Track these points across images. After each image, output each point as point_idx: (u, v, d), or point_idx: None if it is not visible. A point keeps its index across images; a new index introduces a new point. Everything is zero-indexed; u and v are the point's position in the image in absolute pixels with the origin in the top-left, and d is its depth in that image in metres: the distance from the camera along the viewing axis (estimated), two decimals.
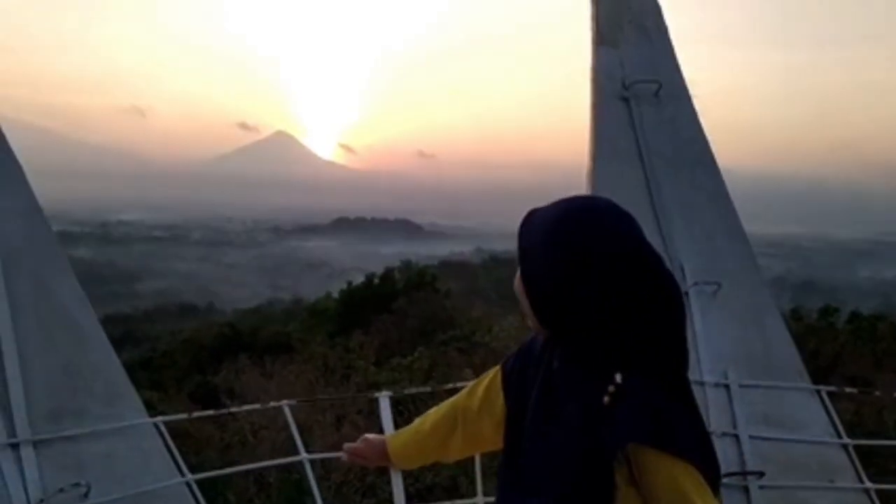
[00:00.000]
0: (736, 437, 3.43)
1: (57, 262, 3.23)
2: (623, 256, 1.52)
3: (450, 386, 3.33)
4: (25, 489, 2.81)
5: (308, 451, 3.32)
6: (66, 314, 3.12)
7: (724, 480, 3.34)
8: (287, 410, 3.25)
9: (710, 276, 3.76)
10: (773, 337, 3.78)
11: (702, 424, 1.59)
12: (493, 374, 1.96)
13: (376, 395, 3.24)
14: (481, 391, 1.97)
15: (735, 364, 3.60)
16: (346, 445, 2.29)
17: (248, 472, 11.53)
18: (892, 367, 15.26)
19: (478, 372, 2.11)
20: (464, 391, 2.04)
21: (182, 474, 2.97)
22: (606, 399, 1.50)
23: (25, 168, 3.40)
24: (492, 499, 2.55)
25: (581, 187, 4.18)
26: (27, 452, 2.89)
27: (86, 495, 2.78)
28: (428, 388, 3.97)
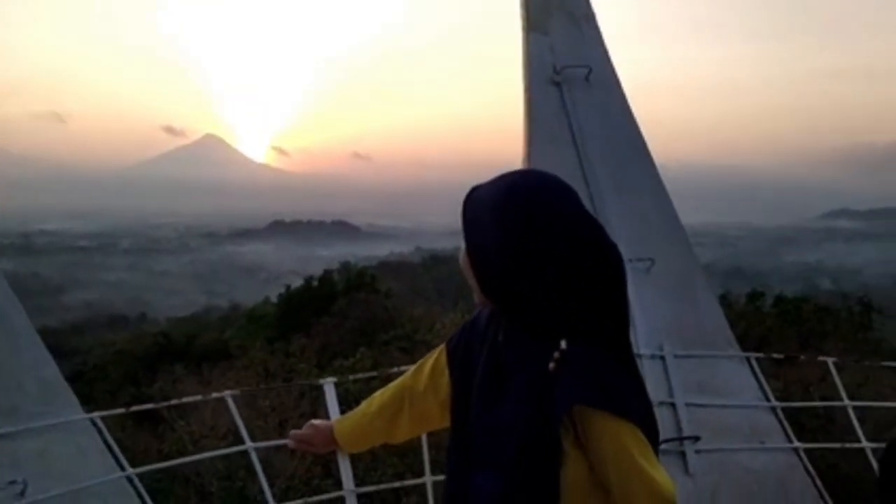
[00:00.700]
0: (672, 405, 3.55)
1: None
2: (566, 227, 1.56)
3: (395, 370, 3.34)
4: None
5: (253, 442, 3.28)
6: None
7: (663, 446, 3.44)
8: (231, 401, 3.21)
9: (643, 253, 3.88)
10: (705, 309, 3.92)
11: (644, 389, 1.64)
12: (438, 352, 1.96)
13: (321, 381, 3.23)
14: (427, 371, 1.97)
15: (669, 336, 3.73)
16: (293, 432, 2.27)
17: (188, 481, 11.24)
18: (816, 347, 15.96)
19: None
20: (409, 372, 2.04)
21: (123, 469, 2.90)
22: (552, 365, 1.53)
23: None
24: (441, 477, 2.56)
25: None
26: None
27: (22, 493, 2.69)
28: (374, 373, 3.97)
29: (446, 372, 1.88)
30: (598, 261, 1.58)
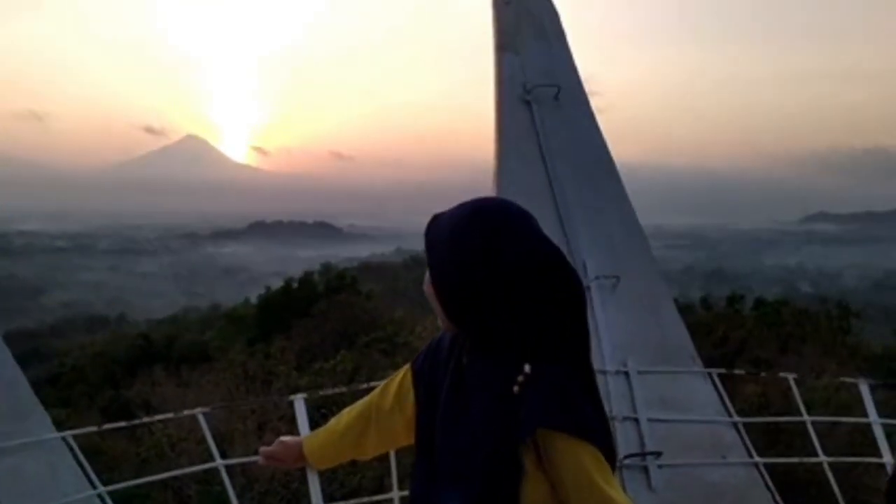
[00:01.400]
0: (636, 420, 3.63)
1: None
2: (525, 253, 1.62)
3: (364, 386, 3.38)
4: None
5: (224, 458, 3.31)
6: None
7: (626, 461, 3.55)
8: (202, 419, 3.24)
9: (609, 271, 3.97)
10: (668, 325, 4.01)
11: (602, 409, 1.70)
12: (404, 372, 2.02)
13: (292, 397, 3.26)
14: (393, 390, 2.03)
15: (634, 352, 3.81)
16: (262, 449, 2.31)
17: (166, 486, 11.17)
18: (796, 350, 16.10)
19: None
20: (376, 390, 2.09)
21: (94, 487, 2.93)
22: (516, 388, 1.59)
23: None
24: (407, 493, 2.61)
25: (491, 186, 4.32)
26: None
27: None
28: (343, 389, 4.02)
29: (412, 391, 1.93)
30: (558, 285, 1.64)
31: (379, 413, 2.05)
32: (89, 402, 19.32)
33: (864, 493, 8.32)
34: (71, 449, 3.03)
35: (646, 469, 3.56)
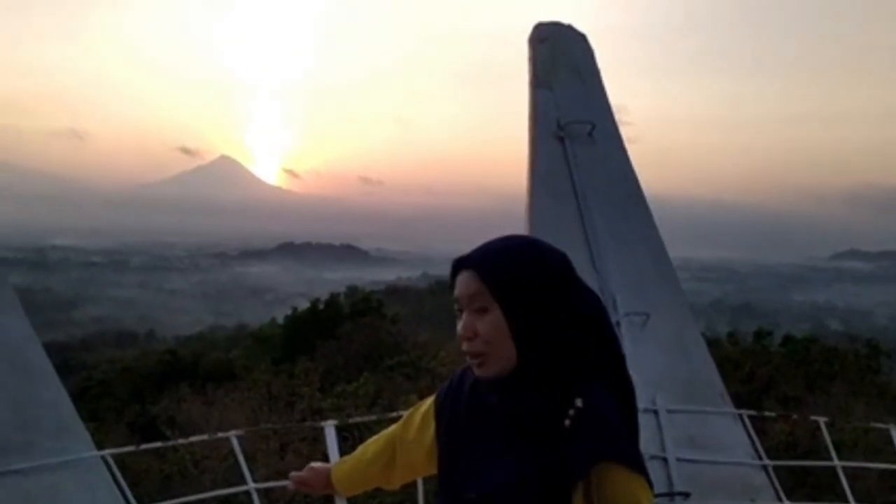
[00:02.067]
0: (664, 459, 3.61)
1: (4, 299, 3.25)
2: (571, 279, 1.69)
3: (394, 414, 3.41)
4: None
5: (253, 481, 3.36)
6: (13, 350, 3.13)
7: (655, 501, 3.52)
8: (235, 441, 3.30)
9: (639, 307, 3.98)
10: (697, 362, 4.00)
11: (638, 431, 1.73)
12: (428, 405, 2.04)
13: (322, 424, 3.31)
14: (416, 421, 2.06)
15: (663, 390, 3.80)
16: (293, 474, 2.36)
17: None
18: (823, 388, 15.80)
19: (424, 397, 2.21)
20: (400, 421, 2.13)
21: None
22: (568, 422, 1.64)
23: None
24: None
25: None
26: None
27: None
28: (373, 417, 4.05)
29: (433, 423, 1.96)
30: (594, 305, 1.70)
31: (402, 443, 2.08)
32: (116, 416, 19.50)
33: None
34: (109, 468, 3.11)
35: None
